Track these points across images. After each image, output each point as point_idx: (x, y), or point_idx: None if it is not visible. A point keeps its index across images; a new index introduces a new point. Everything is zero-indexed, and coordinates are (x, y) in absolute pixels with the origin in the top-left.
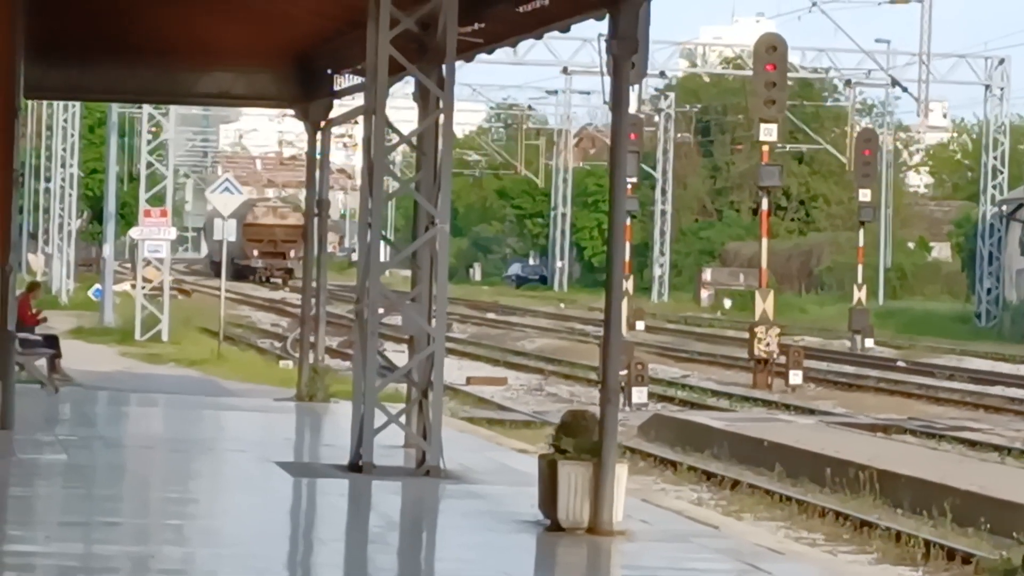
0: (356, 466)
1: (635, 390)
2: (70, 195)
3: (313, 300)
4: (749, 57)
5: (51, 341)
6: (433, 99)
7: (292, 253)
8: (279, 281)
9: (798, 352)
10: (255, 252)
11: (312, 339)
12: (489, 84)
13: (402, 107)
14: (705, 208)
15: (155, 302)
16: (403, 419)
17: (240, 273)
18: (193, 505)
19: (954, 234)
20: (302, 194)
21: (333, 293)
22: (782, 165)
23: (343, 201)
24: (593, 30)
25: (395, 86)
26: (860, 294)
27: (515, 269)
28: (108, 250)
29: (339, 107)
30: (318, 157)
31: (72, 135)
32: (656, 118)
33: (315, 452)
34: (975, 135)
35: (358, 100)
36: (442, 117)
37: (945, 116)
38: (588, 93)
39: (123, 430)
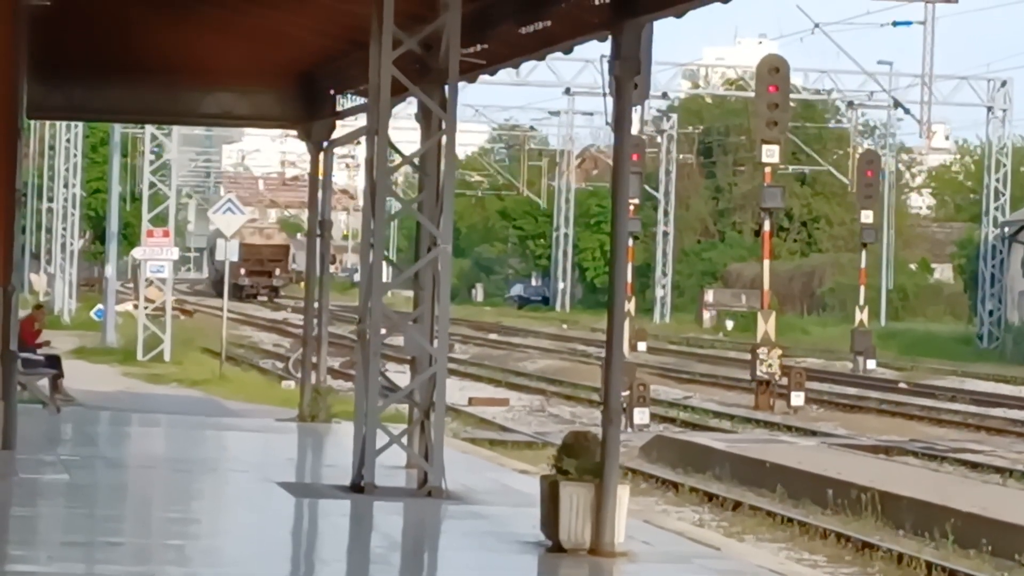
0: (358, 486)
1: (637, 411)
2: (72, 215)
3: (315, 320)
4: (751, 78)
5: (53, 361)
6: (435, 120)
7: (277, 272)
8: (265, 298)
9: (800, 373)
10: (242, 271)
11: (314, 359)
12: (491, 105)
13: (404, 128)
14: (707, 229)
15: (157, 322)
16: (405, 440)
17: (213, 287)
18: (195, 525)
19: (956, 255)
20: (304, 214)
21: (335, 313)
22: (784, 186)
23: (345, 221)
24: (596, 51)
25: (398, 107)
26: (862, 315)
27: (517, 290)
28: (110, 270)
29: (341, 127)
30: (320, 177)
31: (75, 155)
32: (658, 139)
33: (317, 472)
34: (977, 156)
35: (360, 120)
36: (444, 138)
37: (947, 138)
38: (590, 114)
39: (125, 450)
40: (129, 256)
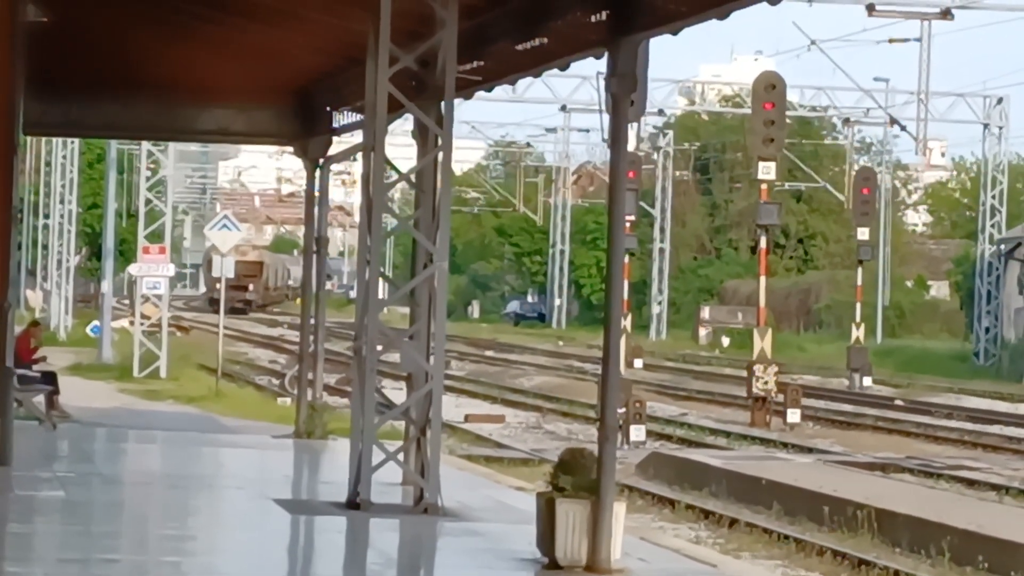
0: (354, 503)
1: (633, 428)
2: (69, 231)
3: (311, 337)
4: (748, 95)
5: (49, 378)
6: (432, 136)
7: (251, 287)
8: (241, 312)
9: (796, 390)
10: (218, 286)
11: (310, 376)
12: (488, 121)
13: (401, 144)
14: (704, 246)
15: (153, 339)
16: (401, 456)
17: (209, 304)
18: (191, 542)
19: (952, 272)
20: (301, 231)
21: (331, 330)
22: (781, 203)
23: (342, 238)
24: (592, 68)
25: (394, 123)
26: (858, 332)
27: (513, 307)
28: (106, 286)
29: (338, 144)
30: (317, 194)
31: (71, 171)
32: (655, 156)
33: (313, 489)
34: (973, 174)
35: (357, 137)
36: (441, 154)
37: (944, 155)
38: (587, 131)
39: (121, 467)
40: (125, 273)
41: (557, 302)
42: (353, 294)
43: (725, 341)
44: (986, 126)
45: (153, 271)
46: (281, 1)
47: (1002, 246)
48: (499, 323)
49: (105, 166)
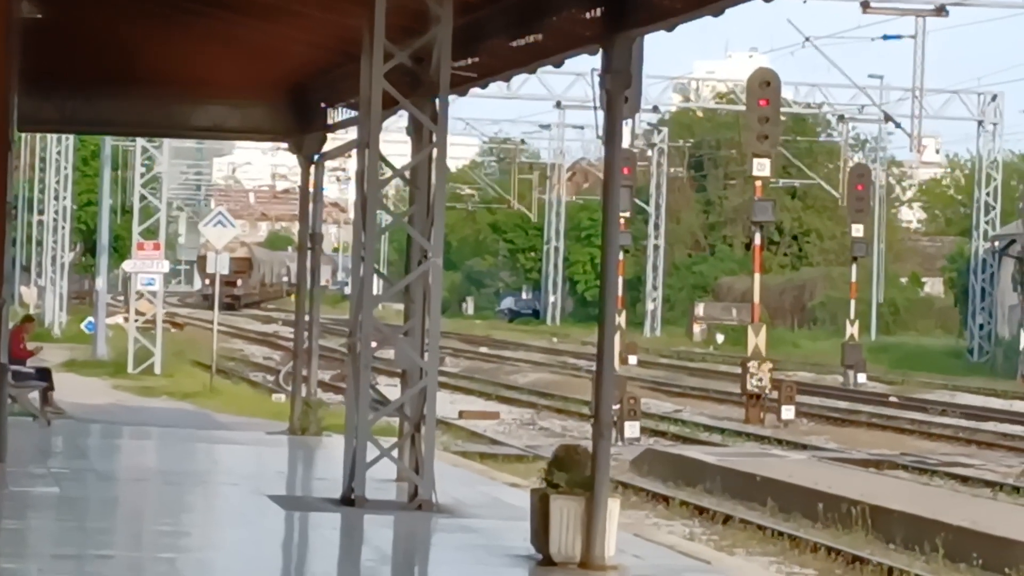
0: (348, 500)
1: (627, 425)
2: (63, 228)
3: (306, 333)
4: (742, 92)
5: (43, 374)
6: (426, 133)
7: (239, 283)
8: (231, 308)
9: (790, 387)
10: (206, 281)
11: (305, 372)
12: (482, 118)
13: (395, 141)
14: (698, 243)
15: (148, 335)
16: (395, 453)
17: (203, 300)
18: (186, 538)
19: (947, 269)
20: (295, 227)
21: (326, 326)
22: (775, 200)
23: (336, 234)
24: (586, 64)
25: (388, 120)
26: (853, 329)
27: (508, 303)
28: (101, 283)
29: (333, 140)
30: (311, 190)
31: (65, 168)
32: (649, 152)
33: (307, 486)
34: (968, 170)
35: (351, 134)
36: (435, 151)
37: (938, 151)
38: (581, 127)
39: (116, 463)
40: (120, 269)
41: (552, 299)
42: (348, 290)
43: (719, 338)
44: (980, 123)
45: (147, 267)
46: None
47: (996, 243)
48: (494, 320)
49: (100, 162)
